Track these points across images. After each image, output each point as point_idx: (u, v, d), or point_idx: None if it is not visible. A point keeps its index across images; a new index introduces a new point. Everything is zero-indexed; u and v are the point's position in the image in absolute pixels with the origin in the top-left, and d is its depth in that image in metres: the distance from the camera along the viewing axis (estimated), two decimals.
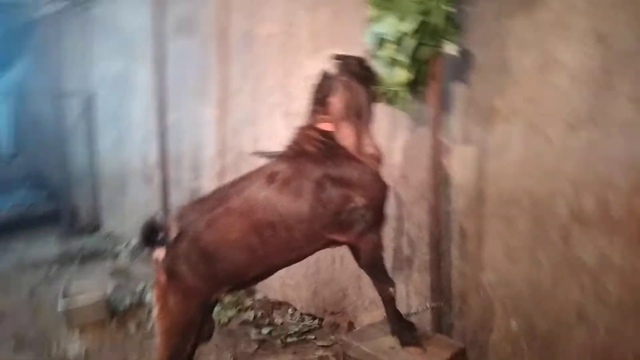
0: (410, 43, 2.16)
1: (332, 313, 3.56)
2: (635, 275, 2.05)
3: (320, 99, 2.24)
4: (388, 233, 2.97)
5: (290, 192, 2.09)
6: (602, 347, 2.17)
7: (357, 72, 2.22)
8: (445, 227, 2.72)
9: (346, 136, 2.18)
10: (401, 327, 2.35)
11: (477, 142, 2.56)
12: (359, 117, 2.20)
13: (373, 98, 2.30)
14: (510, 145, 2.42)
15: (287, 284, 3.85)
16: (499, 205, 2.51)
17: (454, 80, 2.60)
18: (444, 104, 2.59)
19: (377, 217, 2.19)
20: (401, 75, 2.20)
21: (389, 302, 2.30)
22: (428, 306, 2.52)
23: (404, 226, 2.99)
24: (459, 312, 2.77)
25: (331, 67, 2.25)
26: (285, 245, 2.13)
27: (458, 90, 2.61)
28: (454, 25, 2.21)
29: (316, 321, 3.61)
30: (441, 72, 2.37)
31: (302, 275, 3.72)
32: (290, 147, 2.23)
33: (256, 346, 3.36)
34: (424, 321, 2.69)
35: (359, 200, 2.12)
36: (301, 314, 3.73)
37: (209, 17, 4.34)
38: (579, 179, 2.19)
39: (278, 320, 3.70)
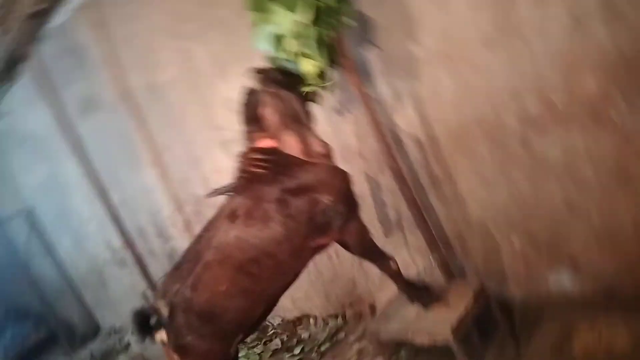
0: (311, 32, 2.11)
1: (351, 305, 3.56)
2: (602, 148, 2.10)
3: (251, 117, 2.21)
4: (370, 212, 2.98)
5: (257, 221, 2.05)
6: (600, 226, 2.24)
7: (280, 79, 2.19)
8: (415, 181, 2.74)
9: (290, 144, 2.15)
10: (417, 292, 2.37)
11: (409, 94, 2.57)
12: (297, 121, 2.18)
13: (305, 98, 2.28)
14: (441, 84, 2.44)
15: (297, 298, 3.82)
16: (454, 142, 2.54)
17: (363, 48, 2.60)
18: (364, 74, 2.59)
19: (350, 206, 2.18)
20: (310, 66, 2.17)
21: (396, 275, 2.32)
22: (431, 260, 2.54)
23: (380, 198, 3.00)
24: (462, 253, 2.81)
25: (252, 82, 2.21)
26: (276, 273, 2.10)
27: (371, 56, 2.62)
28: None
29: (339, 319, 3.60)
30: (348, 46, 2.35)
31: (308, 284, 3.70)
32: (239, 177, 2.19)
33: None
34: (436, 276, 2.72)
35: (325, 199, 2.10)
36: (323, 319, 3.72)
37: (107, 85, 4.21)
38: (514, 89, 2.23)
39: (304, 334, 3.68)
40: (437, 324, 2.24)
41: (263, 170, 2.12)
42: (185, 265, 2.09)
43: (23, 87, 4.98)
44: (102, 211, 4.70)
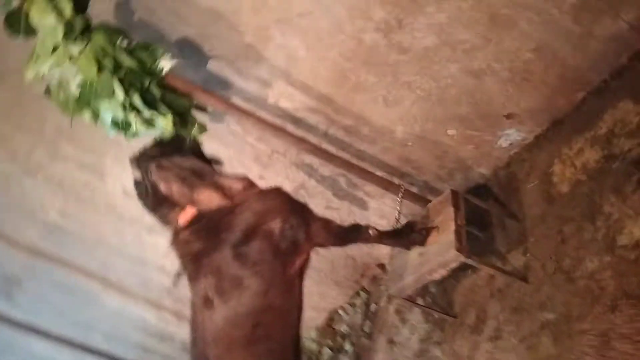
0: (136, 100, 1.93)
1: (362, 276, 3.52)
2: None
3: (156, 202, 2.02)
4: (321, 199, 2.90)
5: (231, 291, 1.91)
6: (509, 74, 2.22)
7: (154, 151, 2.02)
8: (334, 142, 2.65)
9: (209, 199, 1.99)
10: (406, 238, 2.33)
11: (273, 75, 2.44)
12: (199, 175, 2.02)
13: (192, 149, 2.12)
14: (296, 51, 2.32)
15: (315, 303, 3.73)
16: (339, 88, 2.44)
17: (196, 67, 2.43)
18: (218, 87, 2.44)
19: (300, 212, 2.07)
20: (163, 124, 1.99)
21: (379, 238, 2.25)
22: (398, 200, 2.48)
23: (319, 177, 2.91)
24: (416, 173, 2.77)
25: (134, 172, 2.03)
26: (282, 318, 1.99)
27: (216, 67, 2.45)
28: (145, 47, 2.00)
29: (362, 295, 3.55)
30: (183, 83, 2.17)
31: (316, 285, 3.61)
32: (184, 263, 2.02)
33: None
34: (414, 210, 2.68)
35: (275, 224, 1.97)
36: (348, 304, 3.66)
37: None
38: (357, 6, 2.13)
39: (343, 328, 3.62)
40: (441, 252, 2.19)
41: (200, 244, 1.96)
42: None
43: None
44: None
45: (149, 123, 2.03)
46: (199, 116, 2.25)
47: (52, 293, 4.17)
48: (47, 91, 1.96)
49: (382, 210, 3.02)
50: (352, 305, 3.61)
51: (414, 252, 2.34)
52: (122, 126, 2.02)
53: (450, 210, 2.27)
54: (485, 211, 2.51)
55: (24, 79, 1.92)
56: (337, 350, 3.59)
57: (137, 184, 2.01)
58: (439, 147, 2.64)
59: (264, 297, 1.92)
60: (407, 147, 2.67)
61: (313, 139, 2.69)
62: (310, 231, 2.04)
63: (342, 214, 3.09)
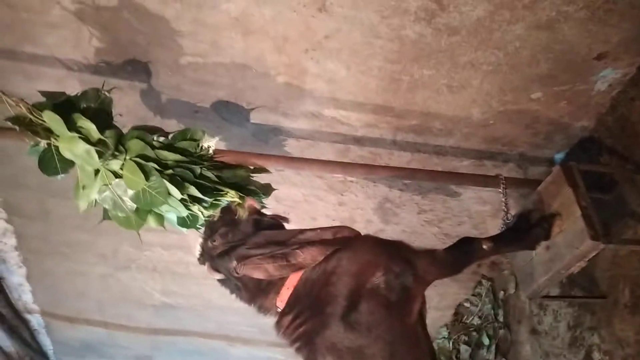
0: (194, 193, 1.78)
1: (479, 265, 3.23)
2: None
3: (249, 294, 1.88)
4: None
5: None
6: None
7: (219, 242, 1.88)
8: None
9: (311, 257, 1.80)
10: (527, 237, 2.02)
11: (316, 103, 2.22)
12: (284, 242, 1.84)
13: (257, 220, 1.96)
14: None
15: (436, 304, 3.49)
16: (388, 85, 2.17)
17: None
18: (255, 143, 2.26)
19: (400, 256, 1.83)
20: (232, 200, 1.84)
21: (498, 248, 1.97)
22: (500, 192, 2.16)
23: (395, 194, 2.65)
24: (509, 149, 2.44)
25: (213, 274, 1.90)
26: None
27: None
28: (183, 134, 1.84)
29: (484, 283, 3.26)
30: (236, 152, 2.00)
31: (430, 289, 3.37)
32: (297, 350, 1.86)
33: None
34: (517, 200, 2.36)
35: (378, 279, 1.76)
36: (473, 295, 3.39)
37: None
38: None
39: (475, 321, 3.36)
40: (574, 243, 1.87)
41: (307, 324, 1.79)
42: None
43: None
44: None
45: (215, 206, 1.89)
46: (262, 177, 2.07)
47: (182, 358, 4.28)
48: (106, 215, 1.87)
49: (482, 197, 2.71)
50: (478, 295, 3.34)
51: (540, 249, 2.03)
52: (190, 221, 1.89)
53: (568, 190, 1.93)
54: (606, 175, 2.14)
55: (79, 209, 1.84)
56: (476, 345, 3.34)
57: (223, 282, 1.88)
58: (526, 115, 2.29)
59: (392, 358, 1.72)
60: (490, 126, 2.34)
61: (382, 151, 2.45)
62: (418, 272, 1.80)
63: (438, 214, 2.82)
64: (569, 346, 2.48)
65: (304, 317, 1.79)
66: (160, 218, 1.91)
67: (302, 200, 2.75)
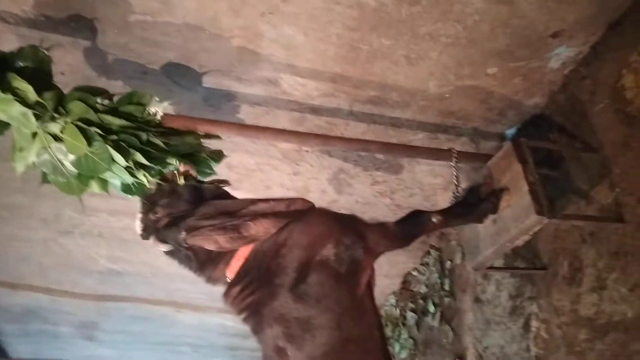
0: (140, 160, 1.70)
1: (428, 235, 3.29)
2: None
3: (198, 264, 1.83)
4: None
5: (303, 335, 1.72)
6: None
7: (163, 213, 1.80)
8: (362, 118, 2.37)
9: (264, 229, 1.75)
10: (475, 210, 2.07)
11: (276, 70, 2.14)
12: (236, 213, 1.79)
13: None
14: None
15: (386, 272, 3.57)
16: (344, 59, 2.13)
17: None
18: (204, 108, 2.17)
19: (351, 229, 1.83)
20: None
21: (447, 221, 2.01)
22: (452, 165, 2.18)
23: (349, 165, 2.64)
24: (463, 124, 2.46)
25: (159, 246, 1.83)
26: (364, 343, 1.80)
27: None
28: (129, 98, 1.74)
29: (432, 253, 3.34)
30: (185, 117, 1.91)
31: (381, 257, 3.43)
32: (245, 319, 1.84)
33: None
34: (468, 174, 2.40)
35: (328, 252, 1.76)
36: (421, 264, 3.48)
37: None
38: None
39: (422, 288, 3.45)
40: (520, 217, 1.93)
41: (256, 295, 1.77)
42: None
43: None
44: None
45: (161, 173, 1.81)
46: (214, 144, 2.00)
47: (130, 325, 4.22)
48: (45, 178, 1.76)
49: (434, 169, 2.74)
50: (425, 264, 3.43)
51: (487, 222, 2.08)
52: (136, 189, 1.81)
53: (517, 166, 1.97)
54: (555, 152, 2.20)
55: (16, 171, 1.72)
56: (422, 312, 3.45)
57: (171, 253, 1.82)
58: (481, 90, 2.31)
59: (339, 331, 1.72)
60: (446, 100, 2.35)
61: (339, 121, 2.42)
62: (368, 244, 1.81)
63: (392, 185, 2.84)
64: (509, 314, 2.59)
65: (253, 288, 1.77)
66: (104, 183, 1.82)
67: (256, 169, 2.70)
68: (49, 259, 3.28)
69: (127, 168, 1.71)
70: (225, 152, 2.00)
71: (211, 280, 1.85)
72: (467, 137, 2.55)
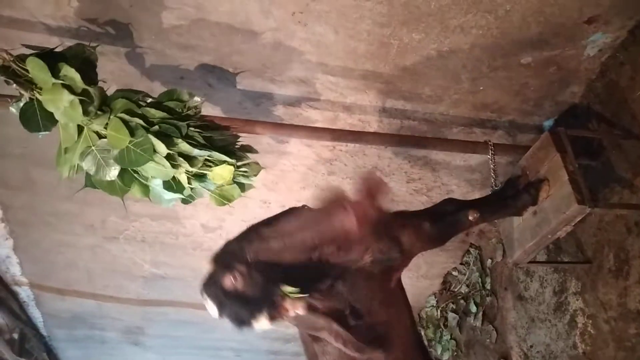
0: (182, 147, 1.73)
1: (467, 234, 3.25)
2: None
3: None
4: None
5: None
6: None
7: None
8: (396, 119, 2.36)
9: None
10: (514, 203, 2.04)
11: (306, 70, 2.18)
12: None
13: None
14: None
15: (425, 273, 3.53)
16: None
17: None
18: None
19: (386, 233, 1.82)
20: (227, 169, 1.80)
21: (484, 217, 1.97)
22: (489, 158, 2.15)
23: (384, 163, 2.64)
24: (499, 117, 2.43)
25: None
26: (394, 328, 1.81)
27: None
28: (169, 94, 1.81)
29: (472, 252, 3.29)
30: (221, 118, 1.97)
31: (419, 257, 3.40)
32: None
33: None
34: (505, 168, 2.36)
35: (364, 262, 1.77)
36: (461, 264, 3.42)
37: None
38: None
39: (462, 289, 3.40)
40: (561, 208, 1.89)
41: None
42: None
43: None
44: None
45: (200, 177, 1.85)
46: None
47: (173, 329, 4.31)
48: (88, 181, 1.83)
49: (471, 165, 2.71)
50: (465, 264, 3.38)
51: (527, 215, 2.04)
52: (176, 186, 1.85)
53: (555, 155, 1.94)
54: (595, 140, 2.14)
55: (61, 176, 1.80)
56: (463, 312, 3.39)
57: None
58: (515, 81, 2.27)
59: (368, 317, 1.73)
60: (479, 93, 2.32)
61: (372, 119, 2.43)
62: (404, 247, 1.80)
63: (428, 182, 2.82)
64: (554, 311, 2.52)
65: None
66: (146, 189, 1.87)
67: (291, 170, 2.73)
68: (95, 264, 3.40)
69: (168, 157, 1.74)
70: (261, 154, 2.02)
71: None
72: (503, 131, 2.52)
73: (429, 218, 1.90)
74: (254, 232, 1.61)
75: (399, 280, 1.91)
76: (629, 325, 2.06)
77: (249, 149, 1.97)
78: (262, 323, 1.50)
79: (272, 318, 1.51)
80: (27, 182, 2.79)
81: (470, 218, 1.90)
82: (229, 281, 1.49)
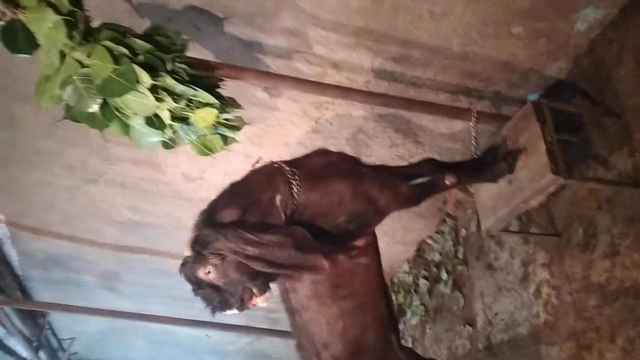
0: (167, 81, 1.71)
1: (445, 202, 3.30)
2: None
3: None
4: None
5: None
6: None
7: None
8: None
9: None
10: (491, 170, 2.07)
11: (297, 25, 2.15)
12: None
13: None
14: None
15: (401, 238, 3.58)
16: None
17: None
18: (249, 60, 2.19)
19: (364, 195, 1.85)
20: (201, 118, 1.78)
21: (460, 181, 2.01)
22: (472, 125, 2.17)
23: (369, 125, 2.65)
24: (485, 86, 2.44)
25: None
26: (361, 274, 1.90)
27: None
28: (155, 29, 1.78)
29: (448, 221, 3.34)
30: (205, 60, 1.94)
31: (396, 222, 3.45)
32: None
33: None
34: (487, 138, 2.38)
35: (341, 220, 1.82)
36: (436, 232, 3.48)
37: None
38: None
39: (435, 256, 3.47)
40: (535, 177, 1.92)
41: None
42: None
43: None
44: None
45: (183, 120, 1.83)
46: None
47: (149, 278, 4.34)
48: (68, 112, 1.81)
49: (454, 134, 2.73)
50: (441, 233, 3.43)
51: (502, 180, 2.08)
52: (157, 124, 1.83)
53: (535, 126, 1.96)
54: (575, 115, 2.17)
55: (40, 106, 1.77)
56: (434, 279, 3.47)
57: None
58: (505, 51, 2.28)
59: (335, 266, 1.78)
60: (468, 60, 2.33)
61: (360, 78, 2.42)
62: (379, 209, 1.84)
63: (411, 148, 2.84)
64: (521, 281, 2.60)
65: None
66: (126, 127, 1.86)
67: (275, 125, 2.73)
68: (74, 206, 3.39)
69: (152, 90, 1.72)
70: (244, 106, 2.01)
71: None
72: (488, 101, 2.53)
73: (406, 179, 1.93)
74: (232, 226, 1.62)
75: (373, 234, 1.96)
76: (589, 297, 2.14)
77: (233, 102, 1.96)
78: (231, 313, 1.64)
79: (241, 310, 1.65)
80: (8, 116, 2.74)
81: (447, 182, 1.93)
82: (203, 272, 1.59)
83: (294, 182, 1.71)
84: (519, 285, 2.61)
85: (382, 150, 2.87)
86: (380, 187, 1.89)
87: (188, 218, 3.25)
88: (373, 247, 1.94)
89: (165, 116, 1.81)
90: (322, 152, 1.94)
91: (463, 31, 2.18)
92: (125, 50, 1.68)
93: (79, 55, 1.68)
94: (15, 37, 1.64)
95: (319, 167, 1.82)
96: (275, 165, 1.78)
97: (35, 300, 4.69)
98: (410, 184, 1.96)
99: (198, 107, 1.83)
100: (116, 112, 1.80)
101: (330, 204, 1.75)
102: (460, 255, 3.21)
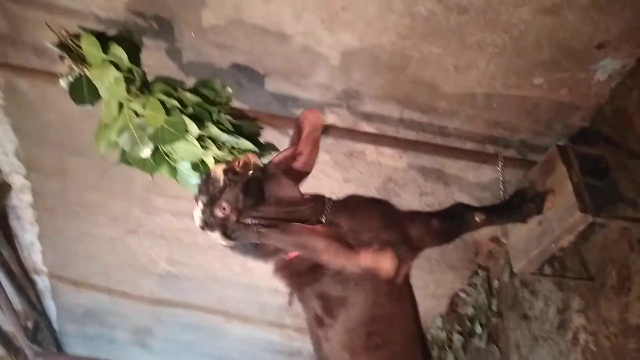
0: (212, 131, 1.90)
1: (476, 254, 3.31)
2: None
3: (258, 253, 1.91)
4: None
5: (338, 309, 1.83)
6: None
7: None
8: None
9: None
10: (520, 210, 2.12)
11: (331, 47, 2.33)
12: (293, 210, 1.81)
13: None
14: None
15: (432, 291, 3.57)
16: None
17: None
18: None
19: (397, 227, 1.90)
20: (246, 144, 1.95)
21: (491, 220, 2.06)
22: (499, 169, 2.26)
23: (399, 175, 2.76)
24: (511, 135, 2.54)
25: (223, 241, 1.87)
26: (397, 322, 1.91)
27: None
28: (203, 83, 1.98)
29: (480, 272, 3.34)
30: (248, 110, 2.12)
31: (428, 275, 3.46)
32: (290, 290, 1.96)
33: None
34: (516, 177, 2.45)
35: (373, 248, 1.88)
36: (468, 285, 3.47)
37: None
38: None
39: (469, 310, 3.43)
40: (564, 217, 1.97)
41: (302, 278, 1.87)
42: None
43: None
44: None
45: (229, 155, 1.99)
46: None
47: (180, 334, 4.38)
48: (123, 157, 1.98)
49: (482, 183, 2.81)
50: (473, 285, 3.41)
51: (532, 222, 2.12)
52: (202, 168, 1.98)
53: (561, 168, 2.03)
54: (600, 157, 2.23)
55: (97, 150, 1.96)
56: (468, 334, 3.41)
57: (233, 247, 1.81)
58: (528, 101, 2.39)
59: (371, 310, 1.83)
60: (493, 110, 2.44)
61: (388, 129, 2.55)
62: (412, 242, 1.90)
63: (439, 197, 2.92)
64: (557, 329, 2.56)
65: (300, 273, 1.87)
66: (174, 170, 2.02)
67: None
68: (113, 257, 3.53)
69: (198, 139, 1.89)
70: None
71: (267, 261, 1.97)
72: (514, 149, 2.62)
73: (437, 216, 2.00)
74: None
75: (407, 278, 1.99)
76: (628, 340, 2.10)
77: (272, 147, 2.11)
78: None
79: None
80: (60, 169, 2.96)
81: (477, 219, 1.98)
82: (219, 211, 1.64)
83: (327, 202, 1.79)
84: (556, 333, 2.56)
85: (412, 198, 2.95)
86: (411, 219, 1.95)
87: (221, 270, 3.38)
88: (409, 288, 1.97)
89: (210, 162, 1.97)
90: (356, 194, 2.04)
91: (487, 83, 2.31)
92: (176, 103, 1.88)
93: (135, 106, 1.88)
94: (81, 90, 1.86)
95: (352, 198, 1.93)
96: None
97: (68, 354, 4.74)
98: (441, 220, 2.02)
99: (240, 154, 1.98)
100: (166, 157, 1.97)
101: (359, 228, 1.81)
102: (494, 307, 3.18)
